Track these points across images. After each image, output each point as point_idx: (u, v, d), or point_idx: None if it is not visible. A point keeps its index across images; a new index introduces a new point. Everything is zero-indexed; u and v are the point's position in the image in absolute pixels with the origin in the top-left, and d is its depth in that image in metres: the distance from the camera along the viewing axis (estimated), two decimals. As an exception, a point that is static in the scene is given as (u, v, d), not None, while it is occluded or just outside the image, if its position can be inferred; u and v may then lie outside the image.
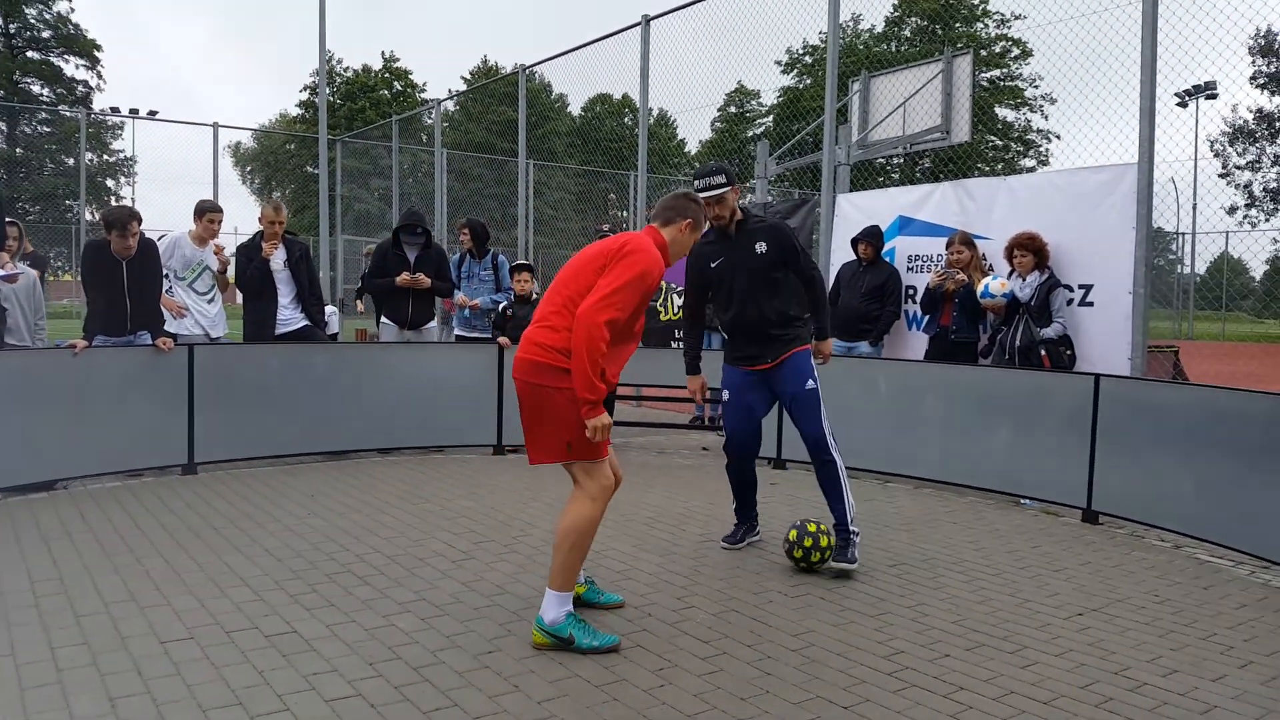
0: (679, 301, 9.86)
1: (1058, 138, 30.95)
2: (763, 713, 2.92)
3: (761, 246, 4.55)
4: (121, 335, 6.08)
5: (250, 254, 6.78)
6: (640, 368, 7.90)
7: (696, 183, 4.51)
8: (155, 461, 6.15)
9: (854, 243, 7.41)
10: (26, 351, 5.94)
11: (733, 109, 37.22)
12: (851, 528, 4.45)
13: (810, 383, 4.55)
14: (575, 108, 40.54)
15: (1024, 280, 6.23)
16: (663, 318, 10.08)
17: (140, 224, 5.96)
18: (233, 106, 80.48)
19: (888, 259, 7.49)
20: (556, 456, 3.45)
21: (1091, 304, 6.31)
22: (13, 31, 37.33)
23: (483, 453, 7.31)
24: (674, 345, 9.77)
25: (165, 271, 6.45)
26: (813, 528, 4.37)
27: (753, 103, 37.64)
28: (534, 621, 3.42)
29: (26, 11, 37.28)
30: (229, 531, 4.87)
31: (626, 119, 38.89)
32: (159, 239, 6.58)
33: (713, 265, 4.67)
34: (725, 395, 4.75)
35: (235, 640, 3.40)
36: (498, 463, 6.98)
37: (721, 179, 4.50)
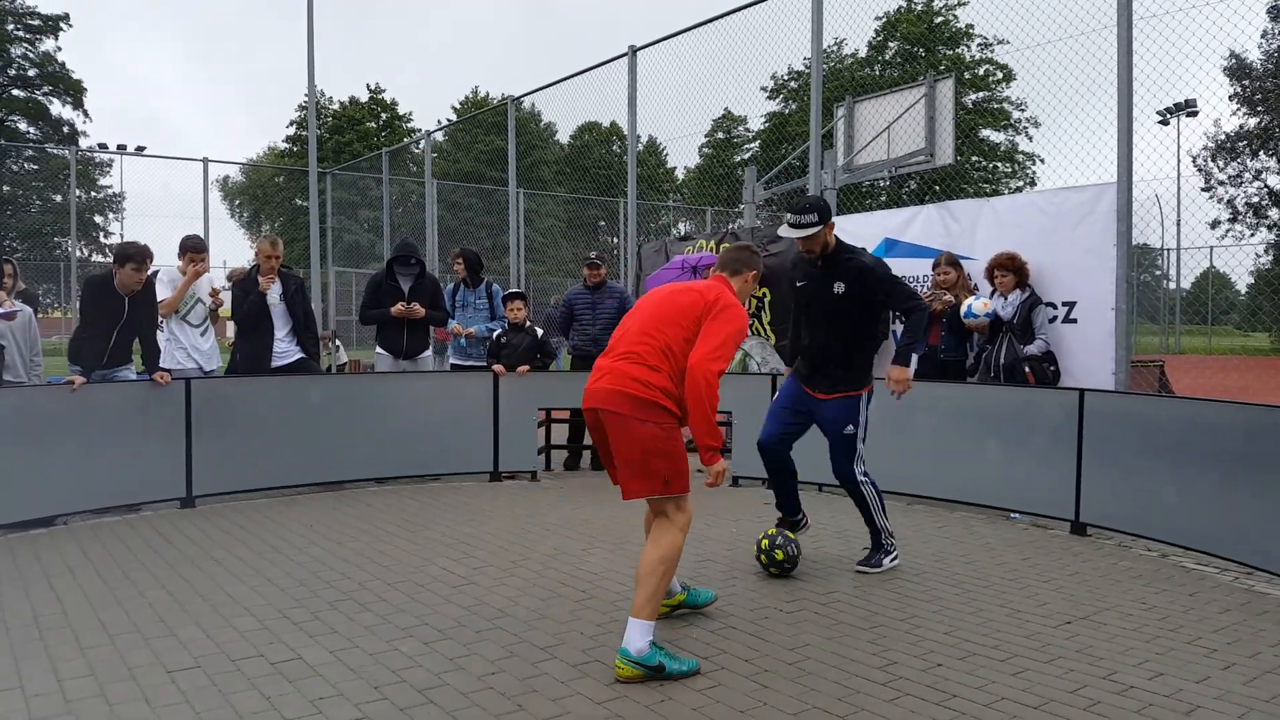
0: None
1: (1042, 161, 31.36)
2: (761, 725, 2.99)
3: (840, 287, 4.69)
4: (107, 368, 6.13)
5: (247, 288, 6.87)
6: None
7: (789, 217, 4.71)
8: (154, 495, 6.19)
9: None
10: (24, 388, 6.00)
11: (720, 135, 37.58)
12: (884, 541, 4.83)
13: (850, 428, 4.76)
14: (563, 135, 40.90)
15: (1005, 299, 6.35)
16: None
17: (152, 261, 6.07)
18: (210, 139, 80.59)
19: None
20: (654, 490, 3.52)
21: (1075, 321, 6.44)
22: (-2, 69, 37.58)
23: (479, 479, 7.36)
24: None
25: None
26: (764, 542, 4.70)
27: (740, 128, 38.02)
28: (617, 654, 3.36)
29: (12, 50, 37.51)
30: (230, 562, 4.92)
31: (615, 146, 39.22)
32: (153, 273, 6.67)
33: (798, 285, 4.95)
34: (776, 396, 5.12)
35: (241, 668, 3.45)
36: (494, 489, 7.05)
37: (814, 218, 4.62)
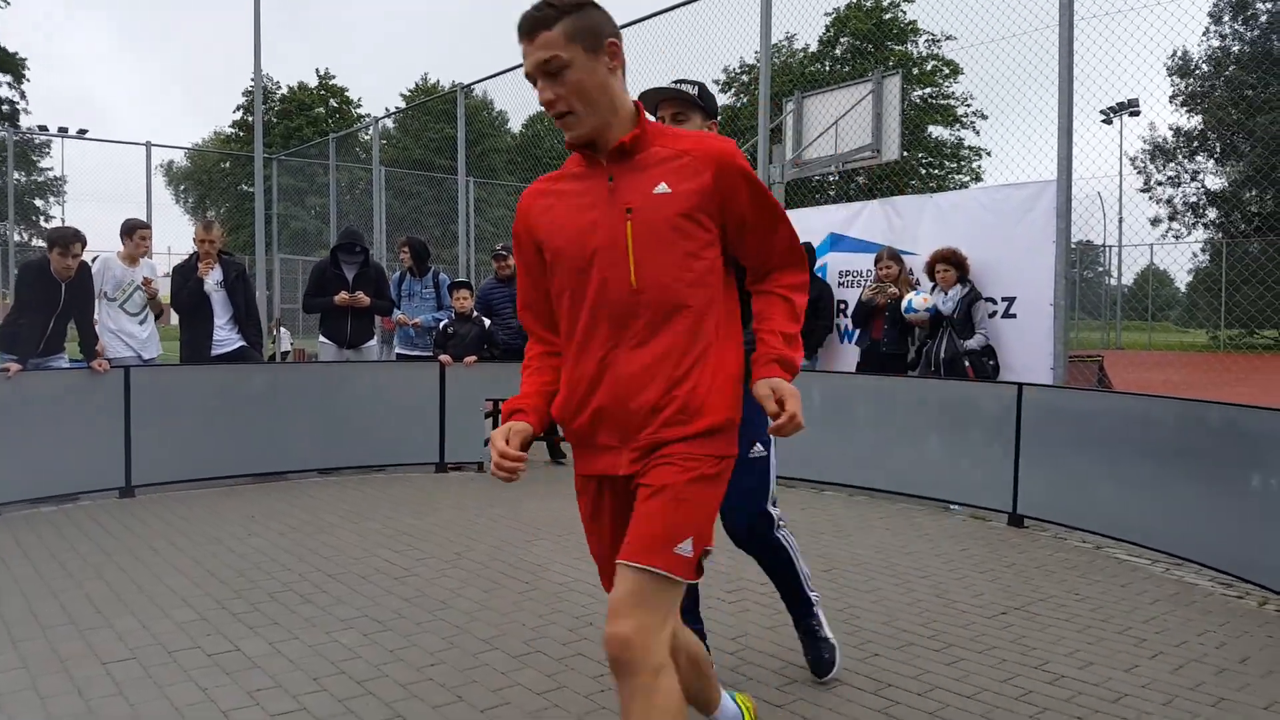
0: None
1: (988, 154, 31.83)
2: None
3: None
4: (41, 356, 5.99)
5: (186, 274, 6.75)
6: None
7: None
8: (92, 485, 6.07)
9: None
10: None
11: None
12: (813, 596, 3.40)
13: (758, 447, 3.36)
14: (515, 124, 40.60)
15: (946, 294, 6.47)
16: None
17: (84, 246, 5.91)
18: (148, 123, 78.47)
19: (819, 275, 7.70)
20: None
21: (1014, 316, 6.57)
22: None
23: (426, 470, 7.32)
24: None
25: (97, 293, 6.39)
26: None
27: (692, 120, 38.00)
28: None
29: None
30: (169, 553, 4.84)
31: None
32: (91, 260, 6.51)
33: None
34: None
35: (178, 659, 3.40)
36: (441, 480, 7.01)
37: (691, 88, 3.22)
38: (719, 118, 3.35)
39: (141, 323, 6.69)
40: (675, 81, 3.30)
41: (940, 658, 3.56)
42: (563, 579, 4.47)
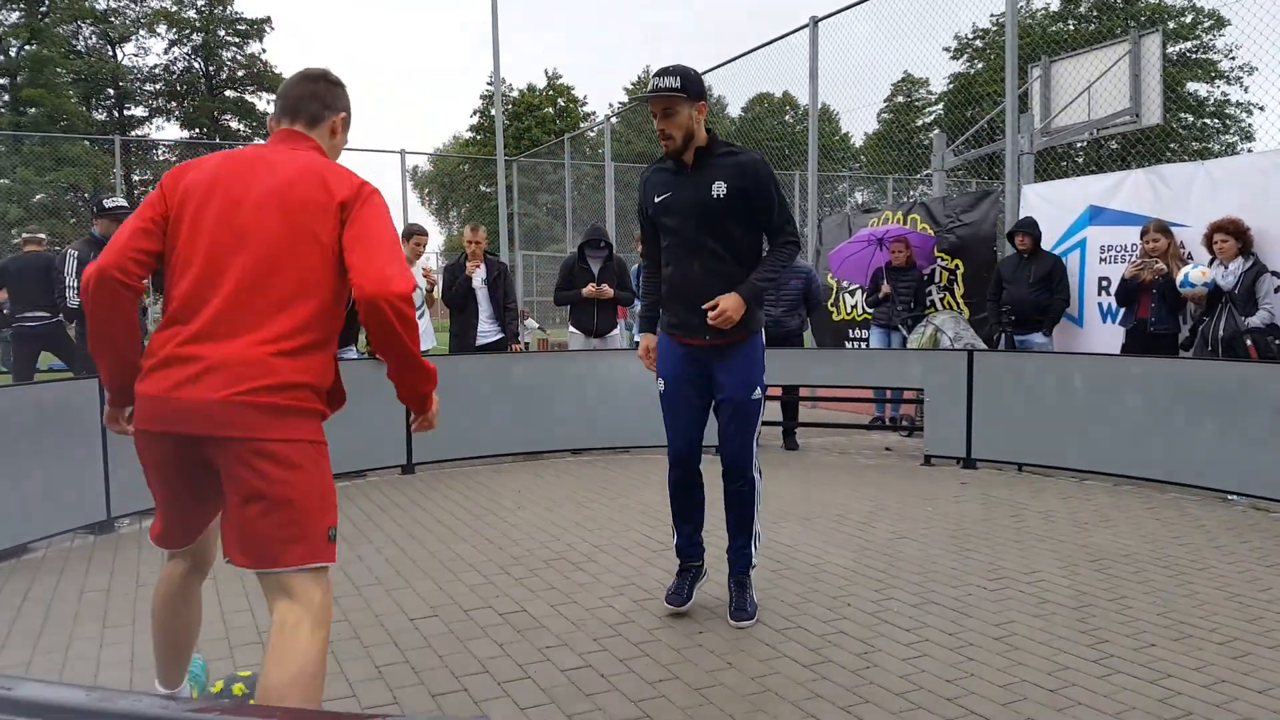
0: (851, 301, 9.90)
1: (1261, 109, 28.65)
2: (968, 693, 3.05)
3: (720, 188, 3.56)
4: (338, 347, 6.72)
5: (455, 273, 7.37)
6: (816, 369, 8.04)
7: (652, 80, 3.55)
8: (378, 462, 6.77)
9: (1010, 236, 7.57)
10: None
11: (899, 98, 36.42)
12: (754, 559, 3.82)
13: (757, 392, 3.69)
14: (734, 109, 40.69)
15: (1226, 267, 5.99)
16: (835, 317, 10.15)
17: None
18: (389, 130, 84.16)
19: (1078, 251, 7.36)
20: (313, 555, 2.35)
21: (1301, 290, 6.00)
22: (211, 73, 40.88)
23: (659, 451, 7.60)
24: (849, 345, 9.83)
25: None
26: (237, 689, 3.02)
27: (921, 91, 36.69)
28: None
29: (223, 55, 40.81)
30: (451, 523, 5.35)
31: (787, 117, 38.72)
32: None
33: (657, 201, 3.72)
34: (660, 384, 3.81)
35: (473, 617, 3.80)
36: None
37: (674, 81, 3.49)
38: (706, 99, 3.59)
39: (420, 316, 7.37)
40: (656, 75, 3.55)
41: (1225, 651, 3.38)
42: (814, 560, 4.57)
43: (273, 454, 2.26)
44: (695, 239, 3.62)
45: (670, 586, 3.92)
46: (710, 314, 3.49)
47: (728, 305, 3.49)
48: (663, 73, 3.52)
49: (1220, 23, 28.39)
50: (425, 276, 7.37)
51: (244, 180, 2.37)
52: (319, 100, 2.56)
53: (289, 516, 2.28)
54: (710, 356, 3.68)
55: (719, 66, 12.47)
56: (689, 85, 3.50)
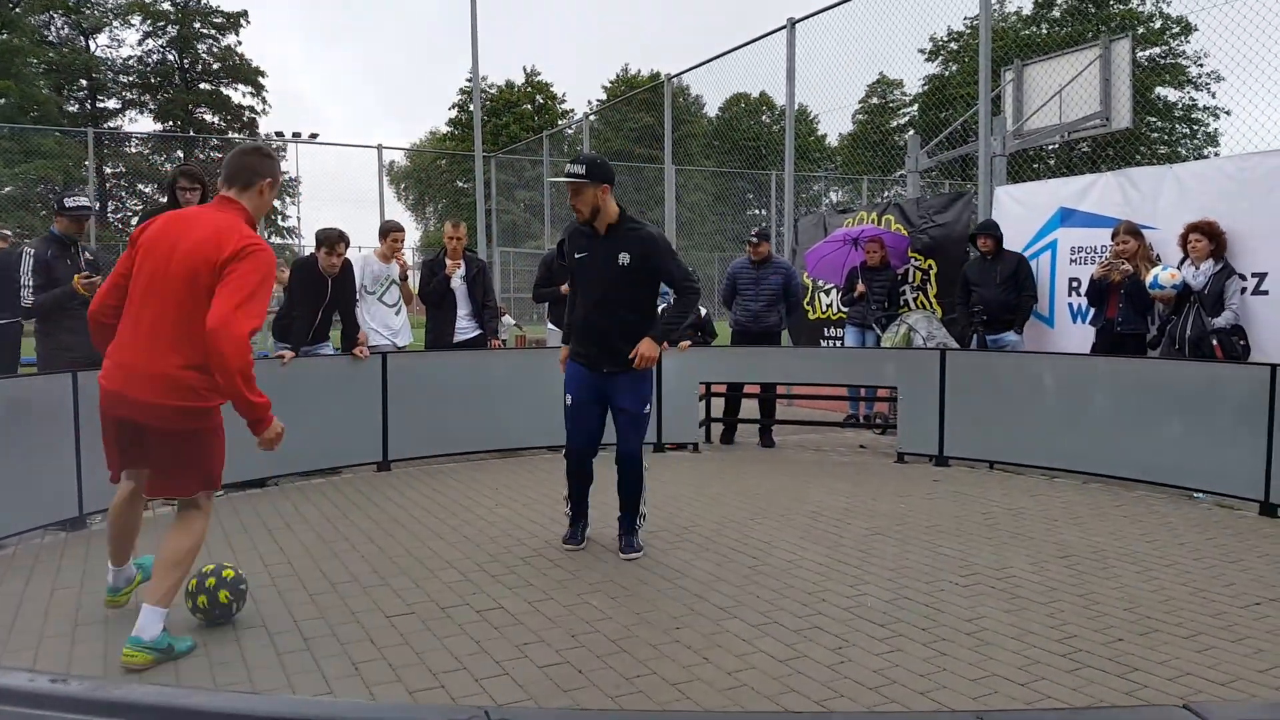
0: (826, 300, 9.98)
1: (1227, 113, 29.08)
2: (940, 687, 3.11)
3: (625, 258, 4.48)
4: (311, 345, 6.68)
5: (433, 269, 7.36)
6: (791, 367, 8.11)
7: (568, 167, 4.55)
8: (353, 459, 6.75)
9: (972, 238, 7.75)
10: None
11: (874, 100, 36.65)
12: (642, 508, 4.78)
13: (647, 407, 4.72)
14: (711, 108, 40.80)
15: (1197, 268, 6.10)
16: (811, 316, 10.22)
17: (348, 245, 6.57)
18: (364, 125, 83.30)
19: (1049, 252, 7.47)
20: (200, 488, 3.48)
21: (1266, 292, 6.13)
22: (186, 66, 40.45)
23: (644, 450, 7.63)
24: (824, 344, 9.90)
25: (357, 287, 7.07)
26: (211, 581, 3.68)
27: (896, 92, 36.96)
28: (126, 643, 3.25)
29: (198, 47, 40.39)
30: (428, 520, 5.35)
31: (764, 117, 38.86)
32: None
33: (576, 257, 4.65)
34: (568, 398, 4.71)
35: (450, 615, 3.80)
36: (658, 460, 7.27)
37: (580, 169, 4.42)
38: (611, 181, 4.54)
39: (397, 313, 7.35)
40: (569, 162, 4.52)
41: (1190, 645, 3.45)
42: (790, 557, 4.62)
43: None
44: (603, 295, 4.56)
45: (566, 535, 4.87)
46: (635, 360, 4.49)
47: (645, 350, 4.51)
48: (573, 161, 4.50)
49: (1188, 29, 28.80)
50: (398, 263, 7.32)
51: (173, 238, 3.32)
52: (251, 170, 3.49)
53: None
54: (608, 380, 4.61)
55: (697, 66, 12.50)
56: (593, 171, 4.44)
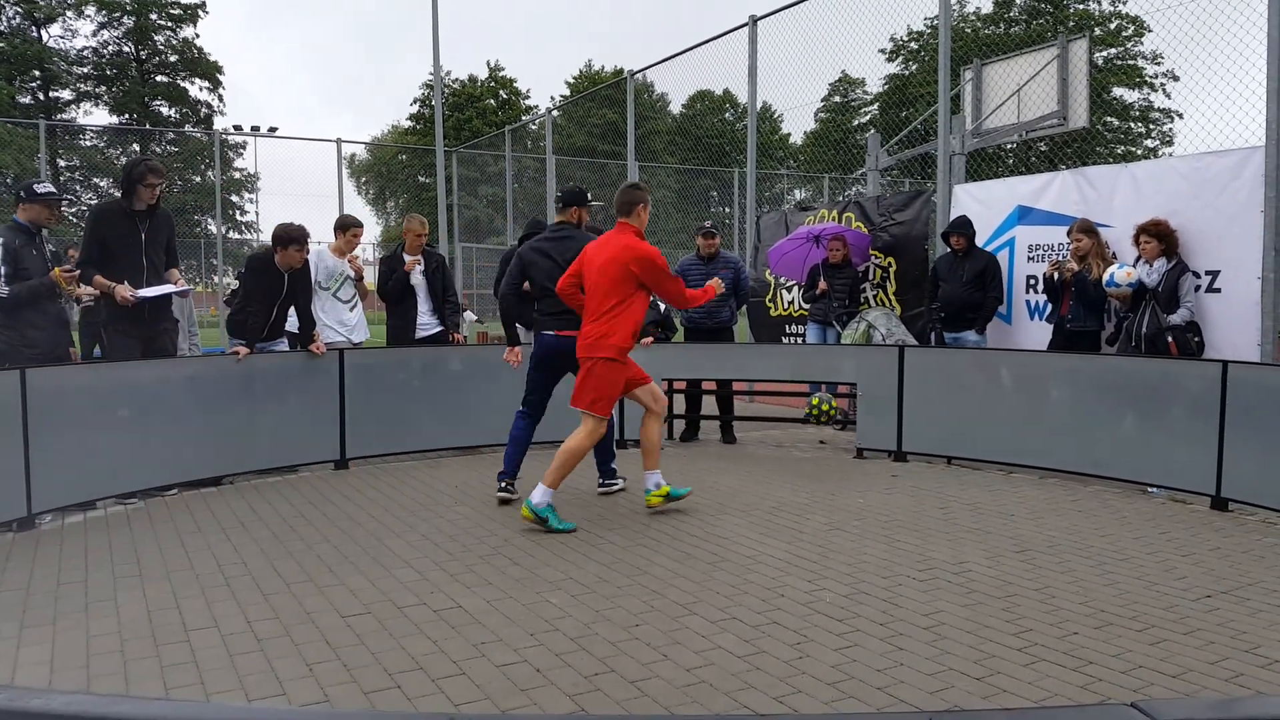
0: (788, 297, 10.01)
1: (1180, 116, 29.64)
2: (898, 682, 3.12)
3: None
4: (266, 341, 6.58)
5: (393, 265, 7.27)
6: (753, 363, 8.11)
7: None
8: (310, 457, 6.66)
9: (944, 236, 7.72)
10: (195, 359, 6.52)
11: (836, 98, 36.86)
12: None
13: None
14: (675, 105, 40.81)
15: (1151, 266, 6.19)
16: (772, 313, 10.25)
17: (306, 240, 6.46)
18: (325, 119, 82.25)
19: (1007, 249, 7.53)
20: (603, 408, 5.12)
21: (1219, 290, 6.24)
22: (143, 58, 39.70)
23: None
24: (785, 341, 9.93)
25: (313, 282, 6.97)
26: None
27: (857, 91, 37.19)
28: (524, 504, 4.99)
29: (156, 39, 39.67)
30: (385, 519, 5.29)
31: (727, 114, 38.94)
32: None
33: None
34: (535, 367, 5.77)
35: (407, 614, 3.76)
36: (619, 456, 7.24)
37: (559, 205, 5.92)
38: (586, 203, 5.98)
39: (351, 309, 7.26)
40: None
41: (1143, 638, 3.50)
42: (750, 552, 4.62)
43: None
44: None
45: (501, 486, 5.67)
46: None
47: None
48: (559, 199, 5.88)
49: (1141, 29, 29.30)
50: (351, 264, 7.23)
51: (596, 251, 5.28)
52: (630, 202, 5.29)
53: None
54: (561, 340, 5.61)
55: (660, 62, 12.46)
56: (565, 197, 5.95)
